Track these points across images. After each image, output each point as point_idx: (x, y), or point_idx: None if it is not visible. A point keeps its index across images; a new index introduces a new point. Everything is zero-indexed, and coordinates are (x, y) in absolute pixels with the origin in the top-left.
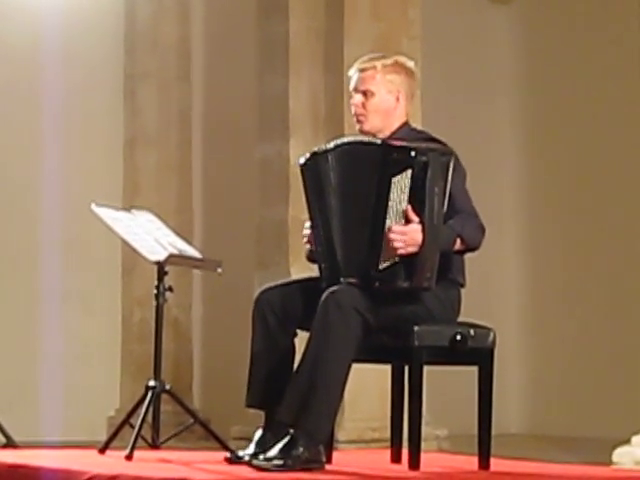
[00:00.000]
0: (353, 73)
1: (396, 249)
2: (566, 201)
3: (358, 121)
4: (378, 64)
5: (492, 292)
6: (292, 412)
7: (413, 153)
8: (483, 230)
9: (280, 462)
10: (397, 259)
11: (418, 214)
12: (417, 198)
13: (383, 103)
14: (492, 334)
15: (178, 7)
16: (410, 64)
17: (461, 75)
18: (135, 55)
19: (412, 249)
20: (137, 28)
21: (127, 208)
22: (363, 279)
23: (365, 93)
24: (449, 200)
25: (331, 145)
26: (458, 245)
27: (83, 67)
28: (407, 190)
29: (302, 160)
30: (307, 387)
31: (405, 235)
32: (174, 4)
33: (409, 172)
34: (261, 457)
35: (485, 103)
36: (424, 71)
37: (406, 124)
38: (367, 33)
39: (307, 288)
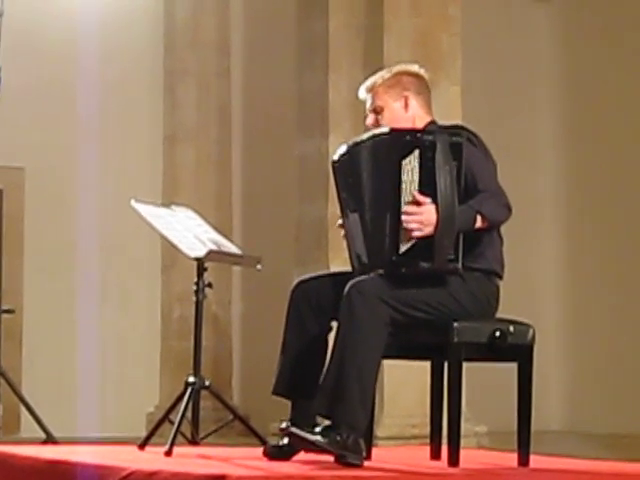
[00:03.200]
0: (362, 96)
1: (412, 230)
2: (605, 194)
3: None
4: (378, 79)
5: (532, 288)
6: (327, 403)
7: (419, 134)
8: (508, 208)
9: (323, 440)
10: (414, 240)
11: (430, 194)
12: (428, 178)
13: (395, 112)
14: (531, 330)
15: (217, 4)
16: (411, 67)
17: (501, 71)
18: (174, 52)
19: (428, 229)
20: (177, 25)
21: (167, 204)
22: (388, 267)
23: (375, 111)
24: (472, 181)
25: (352, 142)
26: (479, 223)
27: (121, 64)
28: (416, 170)
29: (334, 158)
30: (338, 377)
31: (419, 216)
32: (213, 1)
33: (417, 152)
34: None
35: (525, 99)
36: (464, 67)
37: (432, 123)
38: (407, 29)
39: (343, 281)
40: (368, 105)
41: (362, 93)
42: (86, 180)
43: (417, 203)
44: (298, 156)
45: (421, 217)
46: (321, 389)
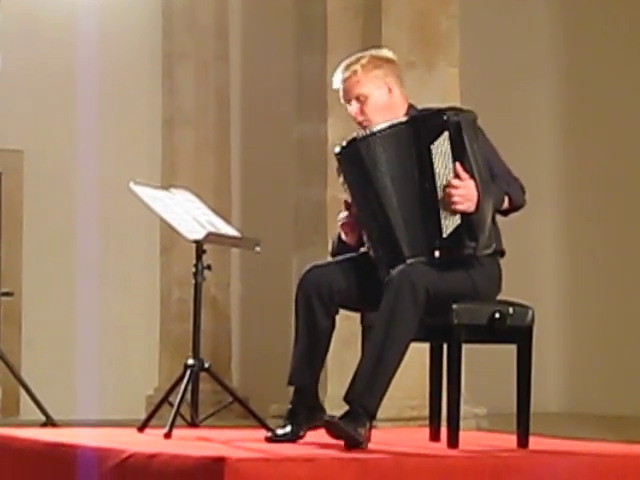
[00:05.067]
0: (337, 85)
1: (455, 203)
2: (604, 178)
3: (363, 128)
4: (357, 67)
5: (531, 270)
6: (358, 391)
7: (445, 117)
8: (524, 190)
9: (355, 434)
10: (459, 221)
11: (467, 171)
12: (460, 157)
13: (379, 100)
14: (531, 312)
15: None
16: (386, 53)
17: (499, 55)
18: (173, 35)
19: (470, 204)
20: (174, 8)
21: (166, 187)
22: (430, 253)
23: (358, 99)
24: (486, 164)
25: (367, 132)
26: (506, 204)
27: (120, 48)
28: (449, 152)
29: (338, 149)
30: (375, 368)
31: (462, 189)
32: None
33: (446, 134)
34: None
35: (523, 83)
36: (462, 50)
37: (411, 107)
38: (405, 11)
39: (351, 268)
40: (346, 94)
41: (338, 83)
42: (85, 163)
43: (458, 178)
44: (297, 139)
45: (464, 191)
46: (355, 377)
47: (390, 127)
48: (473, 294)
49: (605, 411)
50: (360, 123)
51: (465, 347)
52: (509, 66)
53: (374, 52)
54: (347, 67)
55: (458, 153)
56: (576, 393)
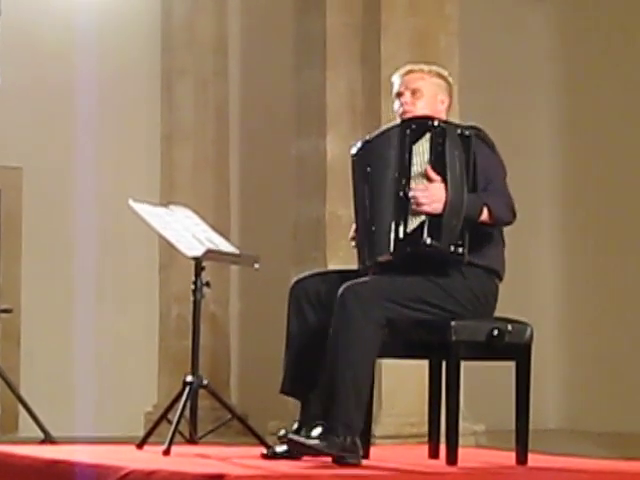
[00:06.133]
0: (397, 78)
1: (421, 205)
2: (603, 194)
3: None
4: (425, 69)
5: (529, 287)
6: (323, 405)
7: (430, 122)
8: (514, 213)
9: (319, 444)
10: (424, 217)
11: (440, 173)
12: (438, 159)
13: (430, 102)
14: (529, 329)
15: (215, 3)
16: (450, 78)
17: (498, 71)
18: (172, 51)
19: (437, 205)
20: (174, 24)
21: (164, 204)
22: (395, 248)
23: (414, 92)
24: (484, 182)
25: (367, 137)
26: (485, 216)
27: (119, 64)
28: (427, 152)
29: (352, 152)
30: (333, 379)
31: (428, 191)
32: (211, 0)
33: (427, 135)
34: (301, 435)
35: (522, 98)
36: (461, 67)
37: None
38: (404, 29)
39: (340, 279)
40: (404, 84)
41: (398, 76)
42: (84, 180)
43: (428, 179)
44: (295, 155)
45: (430, 192)
46: (320, 391)
47: (386, 130)
48: (459, 309)
49: (603, 428)
50: (404, 112)
51: (464, 364)
52: (508, 83)
53: (442, 70)
54: (414, 66)
55: (435, 155)
56: (574, 410)
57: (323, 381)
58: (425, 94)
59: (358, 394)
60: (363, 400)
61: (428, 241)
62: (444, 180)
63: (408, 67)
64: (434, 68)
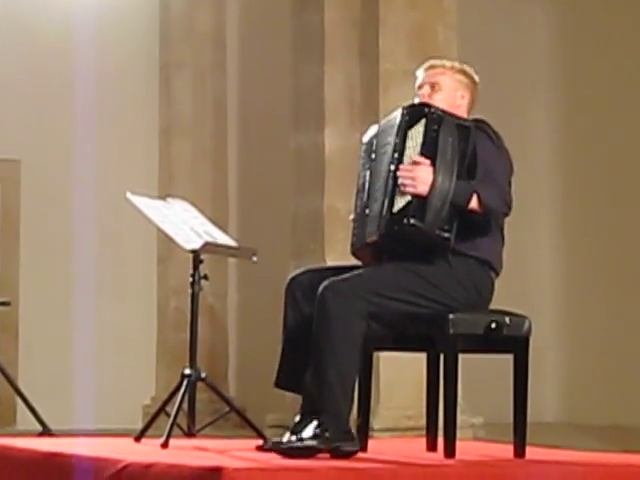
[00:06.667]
0: (420, 72)
1: (406, 185)
2: (601, 189)
3: None
4: (448, 64)
5: (527, 280)
6: (311, 400)
7: (427, 109)
8: (507, 205)
9: (312, 443)
10: (410, 198)
11: (431, 158)
12: (430, 144)
13: (449, 96)
14: (527, 322)
15: None
16: (474, 73)
17: (497, 65)
18: (170, 44)
19: (423, 188)
20: (172, 17)
21: (163, 197)
22: (379, 227)
23: (433, 86)
24: (484, 174)
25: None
26: (475, 204)
27: (117, 57)
28: (421, 137)
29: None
30: (317, 372)
31: (414, 172)
32: None
33: (423, 121)
34: (293, 438)
35: (521, 91)
36: (460, 60)
37: None
38: (402, 22)
39: (338, 274)
40: (424, 79)
41: (421, 71)
42: (82, 173)
43: (416, 163)
44: (294, 149)
45: (416, 174)
46: (305, 386)
47: (392, 116)
48: (447, 299)
49: (601, 421)
50: None
51: (461, 357)
52: (507, 77)
53: (468, 67)
54: (437, 61)
55: (428, 140)
56: (573, 403)
57: (307, 377)
58: (444, 88)
59: (344, 383)
60: (349, 388)
61: (412, 221)
62: (433, 164)
63: (431, 62)
64: (457, 64)
